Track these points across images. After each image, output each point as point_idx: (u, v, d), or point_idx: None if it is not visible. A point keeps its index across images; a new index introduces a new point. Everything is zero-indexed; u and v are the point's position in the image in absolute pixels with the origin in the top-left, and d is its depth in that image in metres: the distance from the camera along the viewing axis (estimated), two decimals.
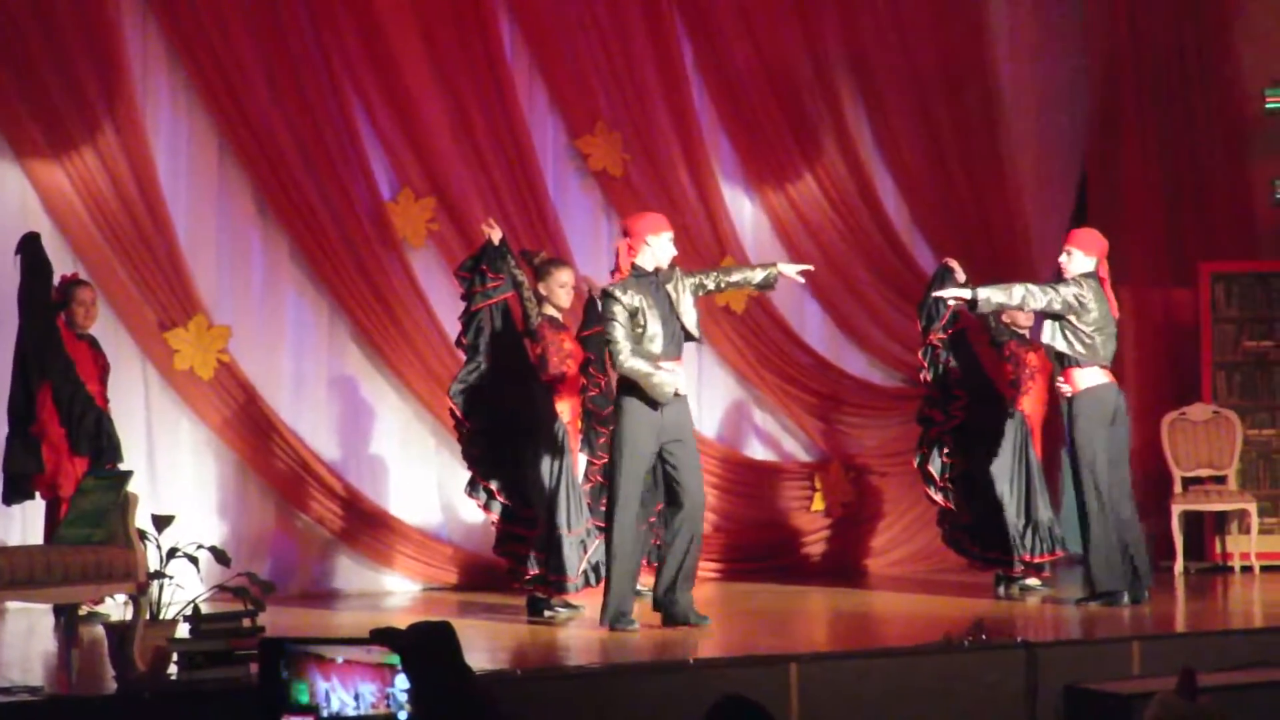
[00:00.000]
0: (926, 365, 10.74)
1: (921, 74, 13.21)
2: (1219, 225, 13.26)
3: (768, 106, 12.80)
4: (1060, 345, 9.92)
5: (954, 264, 10.62)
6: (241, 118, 11.27)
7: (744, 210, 12.93)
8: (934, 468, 10.75)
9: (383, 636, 5.79)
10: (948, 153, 13.27)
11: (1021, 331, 11.09)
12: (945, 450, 10.72)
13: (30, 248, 9.86)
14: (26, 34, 10.71)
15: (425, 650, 5.47)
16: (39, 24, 10.76)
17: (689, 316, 9.30)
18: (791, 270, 9.72)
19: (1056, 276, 10.17)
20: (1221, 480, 12.32)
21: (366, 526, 11.44)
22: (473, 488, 9.82)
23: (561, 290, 10.01)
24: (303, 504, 11.31)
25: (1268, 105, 13.07)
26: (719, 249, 12.54)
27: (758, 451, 12.87)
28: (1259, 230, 13.25)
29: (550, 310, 9.99)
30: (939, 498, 10.80)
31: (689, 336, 9.38)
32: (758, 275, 9.60)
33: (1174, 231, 13.28)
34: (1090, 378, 9.95)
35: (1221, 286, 12.68)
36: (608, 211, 12.45)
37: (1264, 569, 12.13)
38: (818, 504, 12.75)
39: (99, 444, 9.80)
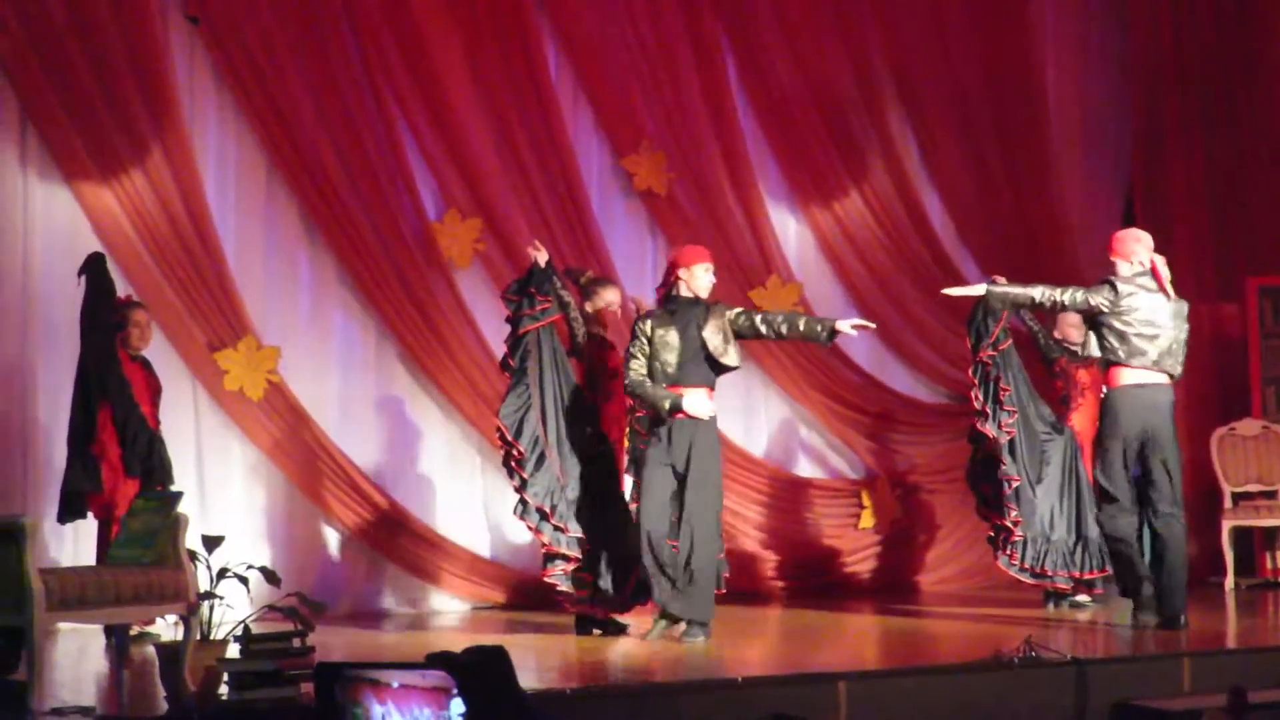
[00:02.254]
0: (977, 383, 10.71)
1: (966, 89, 13.22)
2: (1266, 239, 13.21)
3: (812, 123, 12.82)
4: (1093, 348, 9.67)
5: (1001, 280, 10.57)
6: (288, 140, 11.33)
7: (789, 228, 12.94)
8: (985, 485, 10.74)
9: (438, 660, 5.78)
10: (993, 168, 13.26)
11: (1073, 348, 11.05)
12: (997, 467, 10.68)
13: (95, 268, 9.90)
14: (75, 58, 10.78)
15: (481, 674, 5.46)
16: (87, 49, 10.82)
17: (717, 345, 9.32)
18: (848, 326, 9.50)
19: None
20: (1271, 495, 12.27)
21: (414, 546, 11.47)
22: (524, 510, 9.83)
23: (608, 309, 10.05)
24: (350, 523, 11.34)
25: None
26: (764, 267, 12.56)
27: (806, 469, 12.87)
28: None
29: (597, 329, 10.02)
30: (988, 514, 10.79)
31: (718, 366, 9.39)
32: (814, 332, 9.45)
33: (1221, 245, 13.25)
34: (1129, 377, 9.52)
35: (1269, 301, 12.62)
36: (653, 231, 12.47)
37: None
38: (866, 521, 12.73)
39: (150, 465, 9.84)
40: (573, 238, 11.97)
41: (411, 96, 11.68)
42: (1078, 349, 11.01)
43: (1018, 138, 13.29)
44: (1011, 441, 10.68)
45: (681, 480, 9.30)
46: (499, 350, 10.87)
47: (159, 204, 10.94)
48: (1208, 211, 13.31)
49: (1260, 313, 12.66)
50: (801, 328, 9.47)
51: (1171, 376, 9.63)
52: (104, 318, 9.82)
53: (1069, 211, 13.37)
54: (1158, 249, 10.26)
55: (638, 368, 9.32)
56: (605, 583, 9.60)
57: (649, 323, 9.35)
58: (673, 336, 9.29)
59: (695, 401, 9.28)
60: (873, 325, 10.05)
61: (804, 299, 12.66)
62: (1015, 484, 10.69)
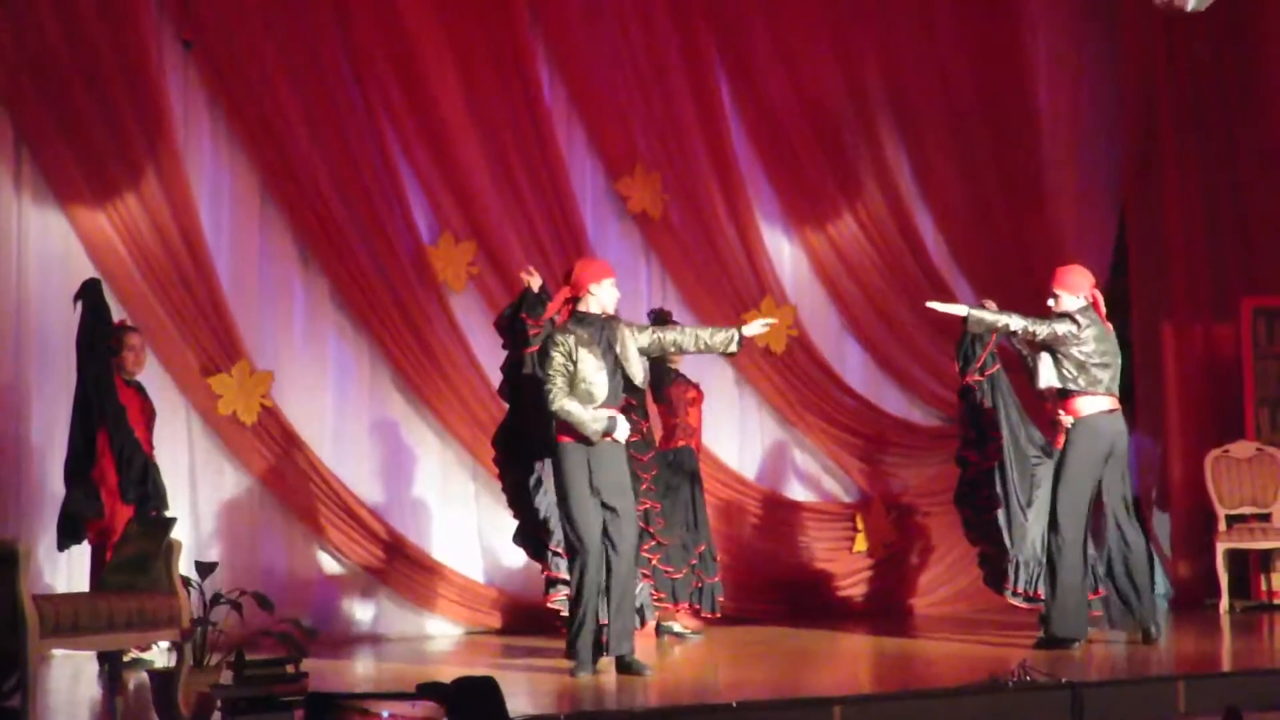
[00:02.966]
0: (963, 406, 10.71)
1: (960, 109, 13.23)
2: (1260, 259, 13.19)
3: (806, 145, 12.83)
4: (1052, 379, 9.91)
5: (990, 304, 10.58)
6: (282, 163, 11.34)
7: (783, 250, 12.94)
8: (968, 509, 10.73)
9: (428, 690, 5.79)
10: (987, 188, 13.27)
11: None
12: (984, 492, 10.66)
13: (91, 293, 9.88)
14: (69, 82, 10.80)
15: (471, 705, 5.47)
16: (81, 72, 10.84)
17: (634, 365, 9.23)
18: (753, 330, 9.49)
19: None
20: (1266, 518, 12.25)
21: (408, 570, 11.45)
22: (523, 536, 9.83)
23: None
24: (345, 548, 11.32)
25: None
26: (759, 289, 12.56)
27: (799, 492, 12.86)
28: None
29: None
30: (976, 538, 10.78)
31: (630, 386, 9.31)
32: (719, 340, 9.37)
33: (1215, 265, 13.22)
34: (1089, 405, 9.90)
35: (1264, 321, 12.62)
36: (647, 253, 12.48)
37: None
38: (860, 544, 12.72)
39: (144, 491, 9.81)
40: (567, 261, 11.93)
41: (406, 120, 11.70)
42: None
43: (1011, 158, 13.30)
44: (1001, 465, 10.66)
45: (607, 507, 9.13)
46: (493, 374, 10.93)
47: (153, 228, 10.94)
48: (1202, 231, 13.29)
49: (1255, 333, 12.64)
50: (708, 340, 9.38)
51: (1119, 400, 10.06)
52: (100, 343, 9.81)
53: (1063, 231, 13.37)
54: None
55: (562, 385, 9.02)
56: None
57: (569, 340, 9.06)
58: (593, 355, 9.08)
59: (623, 425, 9.17)
60: (774, 321, 10.24)
61: (798, 321, 12.67)
62: (998, 509, 10.68)
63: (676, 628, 11.08)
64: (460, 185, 11.79)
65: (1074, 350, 9.83)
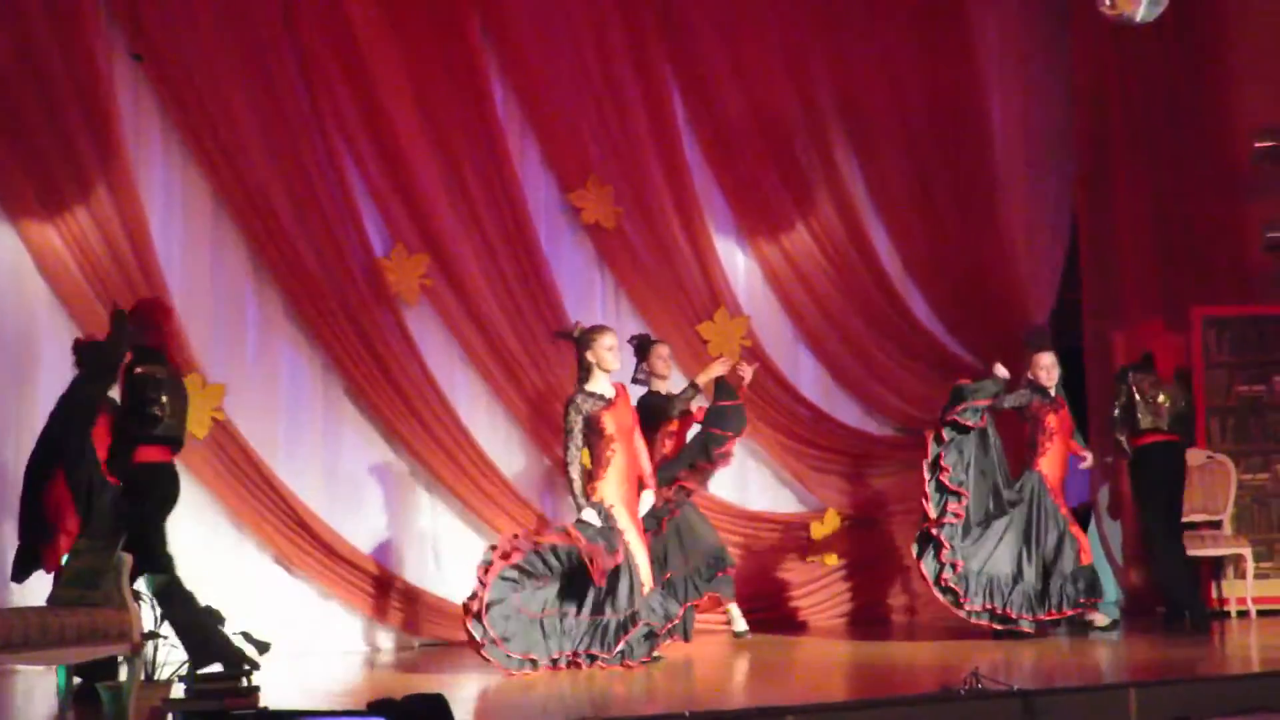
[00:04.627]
0: (928, 458, 10.93)
1: (912, 123, 13.29)
2: (1211, 269, 13.27)
3: (759, 157, 12.87)
4: None
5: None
6: (234, 176, 11.31)
7: (737, 261, 12.97)
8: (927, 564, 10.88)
9: (380, 708, 5.79)
10: (939, 200, 13.33)
11: (1045, 387, 11.18)
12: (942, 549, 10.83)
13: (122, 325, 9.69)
14: (18, 93, 10.76)
15: None
16: (31, 83, 10.80)
17: None
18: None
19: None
20: (1217, 525, 12.31)
21: (361, 582, 11.43)
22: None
23: (609, 354, 10.10)
24: (297, 560, 11.29)
25: (1256, 147, 13.13)
26: (712, 300, 12.58)
27: (755, 503, 12.87)
28: (1250, 274, 13.26)
29: (599, 386, 10.11)
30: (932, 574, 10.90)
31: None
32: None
33: (1166, 275, 13.29)
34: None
35: (1214, 331, 12.69)
36: (600, 265, 12.49)
37: (1260, 613, 12.14)
38: (816, 553, 12.74)
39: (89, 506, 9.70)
40: (520, 272, 11.99)
41: (358, 132, 11.69)
42: (1050, 390, 11.13)
43: (963, 169, 13.36)
44: (962, 522, 10.83)
45: None
46: (446, 386, 10.98)
47: (104, 242, 10.90)
48: (1152, 240, 13.36)
49: (1205, 343, 12.70)
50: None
51: None
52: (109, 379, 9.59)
53: (1014, 241, 13.43)
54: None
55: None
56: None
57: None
58: None
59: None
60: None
61: (752, 332, 12.70)
62: (959, 569, 10.79)
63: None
64: (413, 197, 11.78)
65: None
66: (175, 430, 9.57)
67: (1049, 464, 11.13)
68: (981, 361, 12.78)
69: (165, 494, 9.54)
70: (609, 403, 10.05)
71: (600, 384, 10.09)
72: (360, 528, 11.59)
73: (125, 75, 11.22)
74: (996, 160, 13.50)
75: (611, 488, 10.00)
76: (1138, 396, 11.30)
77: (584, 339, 10.13)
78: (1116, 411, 11.42)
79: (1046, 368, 11.19)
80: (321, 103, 11.58)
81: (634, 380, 11.10)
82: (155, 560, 9.14)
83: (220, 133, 11.29)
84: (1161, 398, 11.31)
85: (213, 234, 11.43)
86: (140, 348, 9.51)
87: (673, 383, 11.41)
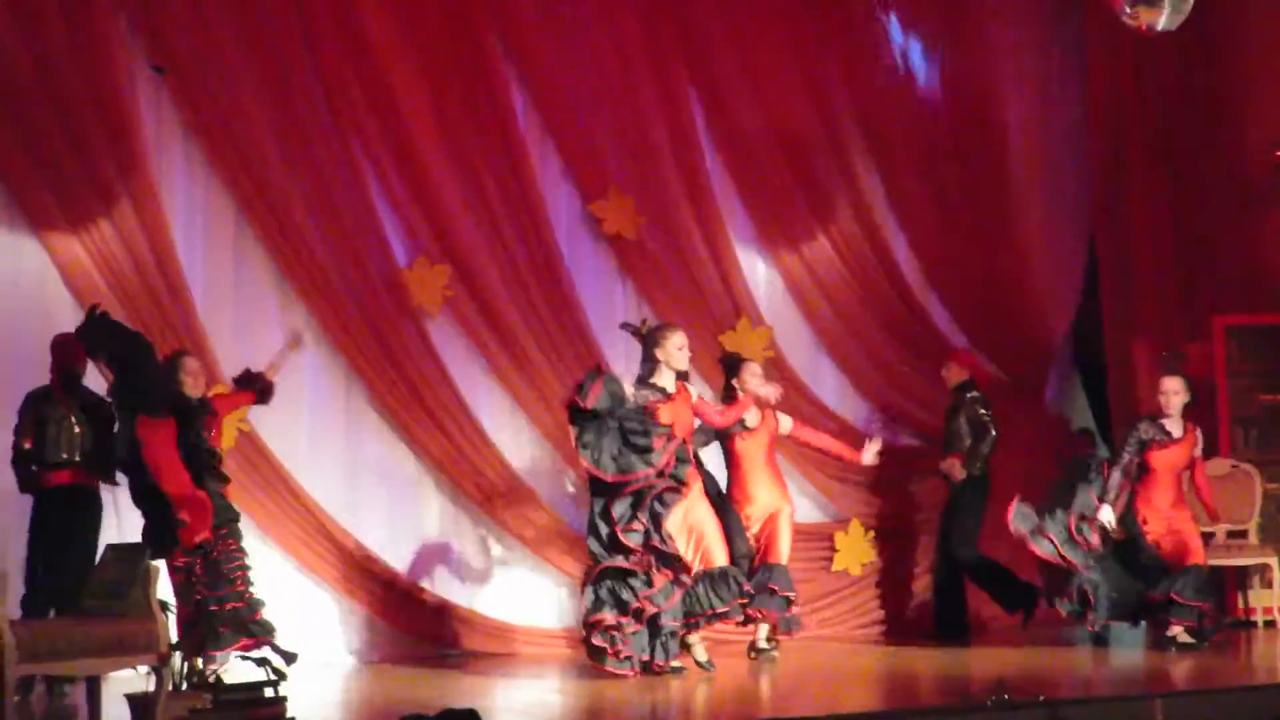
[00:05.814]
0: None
1: (930, 132, 13.27)
2: (1231, 278, 13.23)
3: (779, 167, 12.86)
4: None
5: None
6: (256, 188, 11.34)
7: (758, 271, 12.96)
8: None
9: None
10: (958, 210, 13.32)
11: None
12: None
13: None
14: (40, 109, 10.81)
15: None
16: (52, 99, 10.85)
17: None
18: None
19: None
20: (1242, 535, 12.27)
21: (386, 593, 11.43)
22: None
23: (679, 353, 10.21)
24: (322, 572, 11.31)
25: (1276, 155, 13.09)
26: (734, 309, 12.58)
27: None
28: (1271, 283, 13.20)
29: (663, 380, 10.21)
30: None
31: None
32: None
33: (1185, 285, 13.27)
34: None
35: (1236, 340, 12.66)
36: (622, 275, 12.48)
37: None
38: (838, 564, 12.72)
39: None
40: (542, 283, 11.99)
41: (379, 144, 11.71)
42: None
43: (981, 179, 13.34)
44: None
45: None
46: (469, 396, 10.97)
47: (127, 254, 10.94)
48: (1172, 250, 13.33)
49: (1227, 352, 12.67)
50: None
51: None
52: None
53: (1032, 250, 13.42)
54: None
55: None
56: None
57: None
58: None
59: None
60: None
61: (774, 342, 12.69)
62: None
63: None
64: (434, 209, 11.80)
65: None
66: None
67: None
68: (1001, 371, 12.78)
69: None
70: (668, 397, 10.20)
71: (664, 379, 10.20)
72: (384, 538, 11.59)
73: (147, 88, 11.26)
74: (1015, 171, 13.47)
75: None
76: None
77: (653, 336, 10.29)
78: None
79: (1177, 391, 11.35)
80: (342, 115, 11.60)
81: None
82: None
83: (242, 145, 11.32)
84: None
85: (235, 246, 11.46)
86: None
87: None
